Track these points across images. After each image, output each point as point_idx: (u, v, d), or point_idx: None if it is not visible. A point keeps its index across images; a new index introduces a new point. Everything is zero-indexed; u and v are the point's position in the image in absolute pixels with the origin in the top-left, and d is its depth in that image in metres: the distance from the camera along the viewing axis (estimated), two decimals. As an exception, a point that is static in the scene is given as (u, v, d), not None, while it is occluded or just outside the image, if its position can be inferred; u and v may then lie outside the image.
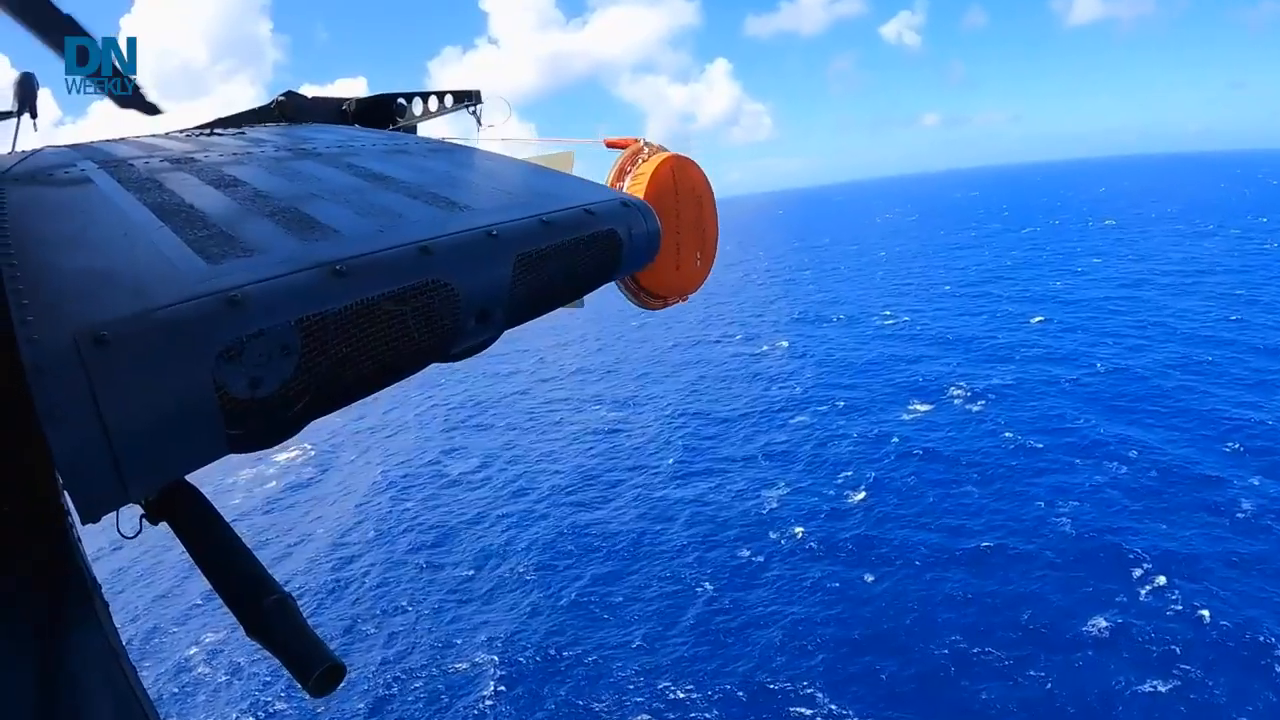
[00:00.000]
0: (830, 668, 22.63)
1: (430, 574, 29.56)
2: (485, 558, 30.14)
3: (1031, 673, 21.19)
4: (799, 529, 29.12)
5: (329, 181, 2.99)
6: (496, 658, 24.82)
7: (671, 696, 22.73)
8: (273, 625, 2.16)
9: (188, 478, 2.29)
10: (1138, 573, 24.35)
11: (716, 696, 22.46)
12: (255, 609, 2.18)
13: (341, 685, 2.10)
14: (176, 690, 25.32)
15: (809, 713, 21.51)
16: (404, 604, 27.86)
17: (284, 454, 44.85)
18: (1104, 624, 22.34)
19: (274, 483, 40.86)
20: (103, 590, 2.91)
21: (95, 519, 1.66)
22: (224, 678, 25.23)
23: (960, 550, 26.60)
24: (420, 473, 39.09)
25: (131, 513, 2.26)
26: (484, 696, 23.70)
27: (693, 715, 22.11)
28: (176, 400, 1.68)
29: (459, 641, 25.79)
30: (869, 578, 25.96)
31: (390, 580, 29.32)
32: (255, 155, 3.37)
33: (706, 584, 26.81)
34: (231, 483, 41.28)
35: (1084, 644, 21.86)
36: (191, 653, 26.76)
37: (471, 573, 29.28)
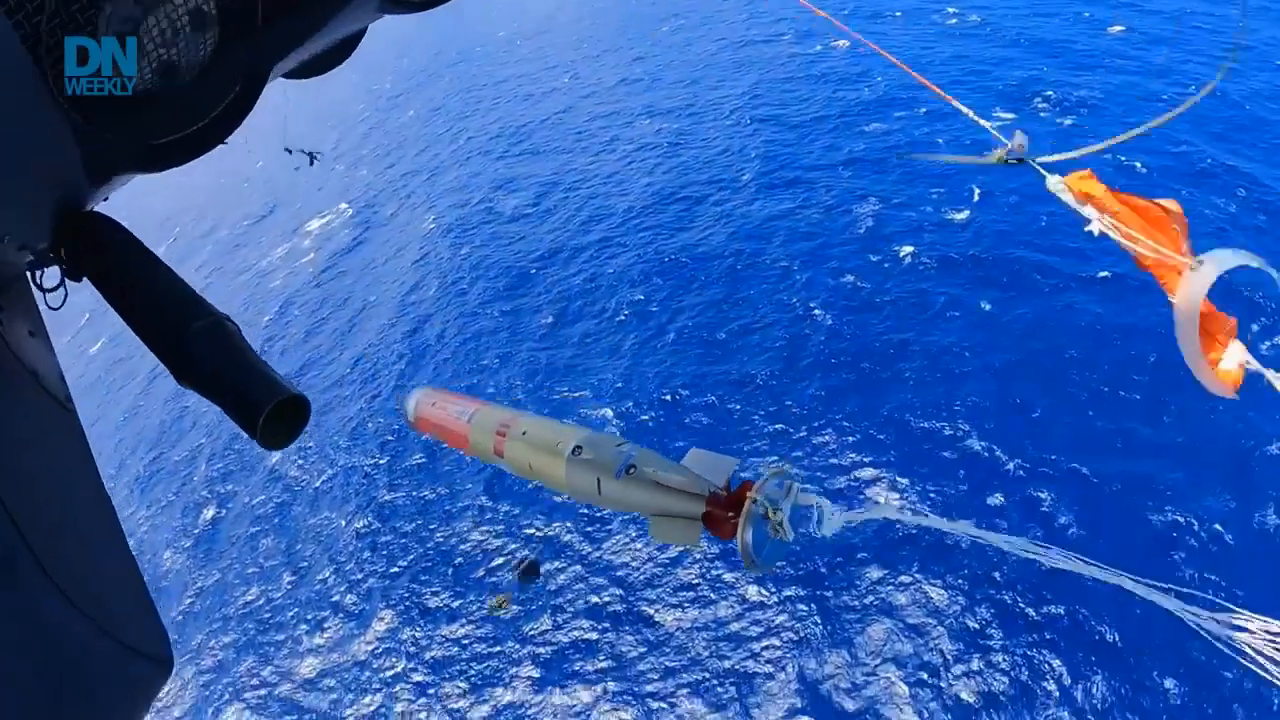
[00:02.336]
0: (973, 404, 19.42)
1: (511, 323, 26.52)
2: (568, 300, 26.81)
3: (1166, 419, 17.87)
4: (906, 248, 24.75)
5: None
6: (609, 411, 22.24)
7: (809, 440, 20.08)
8: (203, 356, 1.76)
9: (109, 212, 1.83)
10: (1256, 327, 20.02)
11: (854, 439, 19.74)
12: (180, 339, 1.76)
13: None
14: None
15: (965, 451, 18.62)
16: (491, 360, 25.17)
17: (316, 220, 41.06)
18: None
19: (312, 254, 37.41)
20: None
21: None
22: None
23: (1081, 277, 22.21)
24: (474, 214, 34.97)
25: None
26: None
27: (832, 460, 19.54)
28: None
29: (557, 396, 23.21)
30: (986, 305, 22.01)
31: (469, 336, 26.48)
32: None
33: (819, 310, 23.24)
34: (267, 264, 38.08)
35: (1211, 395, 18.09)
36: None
37: (553, 319, 26.13)
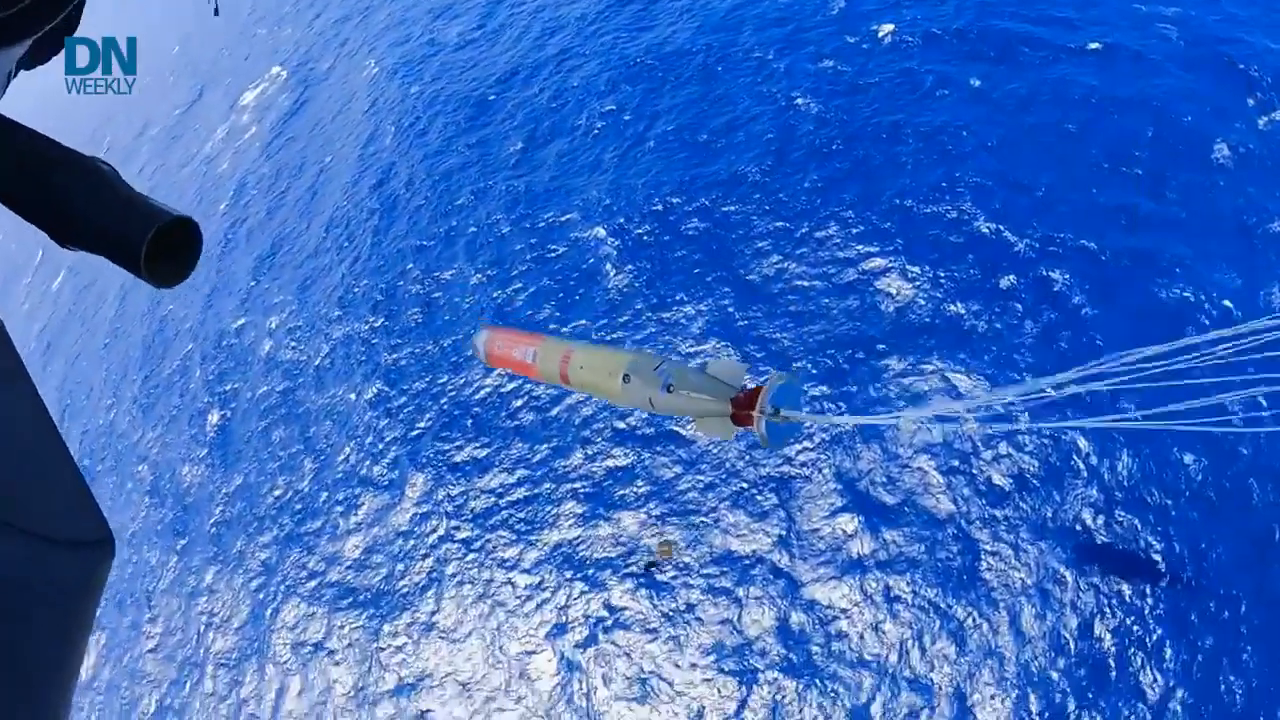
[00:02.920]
0: (975, 184, 17.87)
1: (480, 155, 24.32)
2: (536, 121, 24.44)
3: (1168, 194, 16.61)
4: (886, 26, 21.90)
5: None
6: (601, 230, 20.54)
7: (812, 236, 18.49)
8: (75, 206, 1.67)
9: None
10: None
11: (858, 230, 18.16)
12: (50, 194, 1.66)
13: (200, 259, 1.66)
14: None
15: (973, 234, 17.34)
16: (466, 198, 23.22)
17: (250, 92, 37.70)
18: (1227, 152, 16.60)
19: (254, 128, 34.47)
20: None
21: None
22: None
23: (1071, 49, 19.82)
24: (417, 50, 31.65)
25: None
26: (602, 266, 19.95)
27: (839, 254, 18.03)
28: None
29: (543, 224, 21.44)
30: (975, 82, 19.73)
31: (439, 177, 24.34)
32: None
33: (803, 99, 20.95)
34: (210, 150, 35.26)
35: (1214, 167, 16.63)
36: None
37: (523, 144, 23.89)
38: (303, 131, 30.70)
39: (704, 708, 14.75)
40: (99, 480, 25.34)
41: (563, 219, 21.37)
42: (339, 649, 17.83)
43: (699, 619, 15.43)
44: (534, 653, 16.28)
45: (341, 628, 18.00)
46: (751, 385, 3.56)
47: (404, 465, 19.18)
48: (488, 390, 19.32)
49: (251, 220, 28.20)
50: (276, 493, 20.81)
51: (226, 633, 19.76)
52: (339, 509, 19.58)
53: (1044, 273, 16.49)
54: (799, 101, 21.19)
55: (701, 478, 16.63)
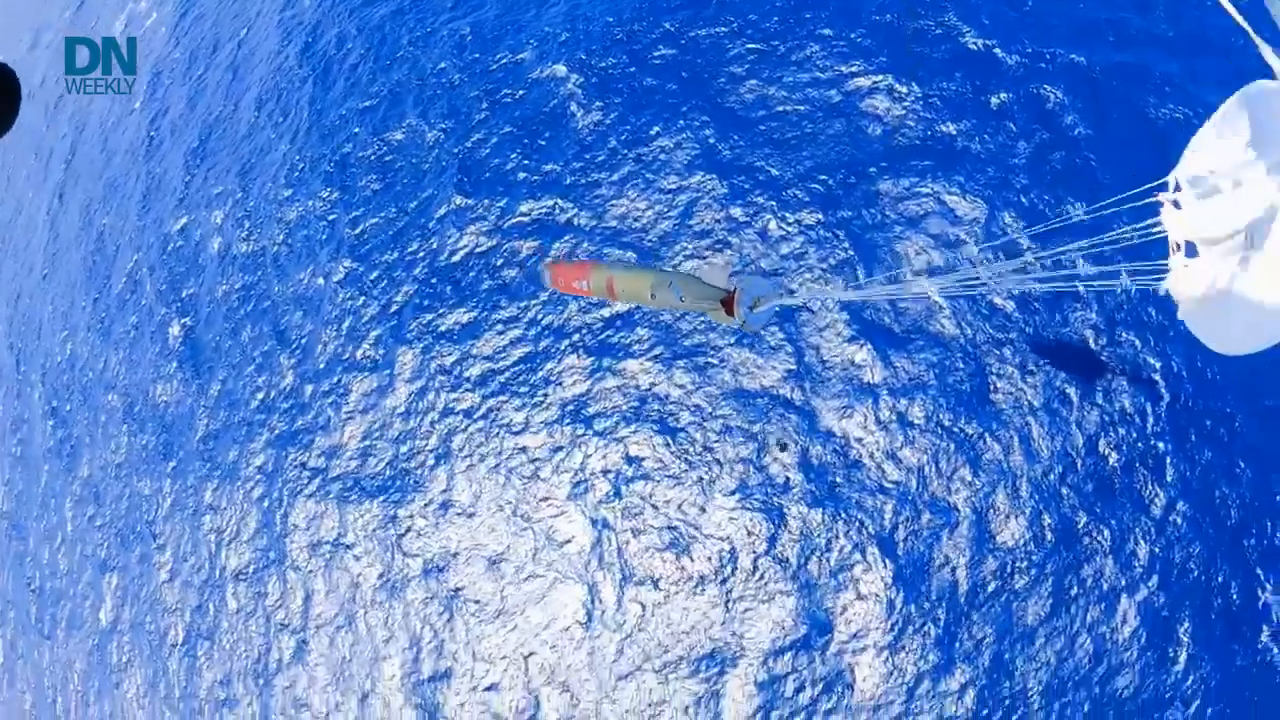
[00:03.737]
0: None
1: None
2: None
3: (1157, 10, 15.60)
4: None
5: None
6: (562, 68, 18.46)
7: (790, 58, 16.77)
8: None
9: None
10: None
11: (840, 48, 16.93)
12: None
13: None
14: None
15: (961, 50, 16.07)
16: (406, 48, 20.81)
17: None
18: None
19: (154, 14, 30.92)
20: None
21: None
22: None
23: None
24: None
25: None
26: (566, 106, 18.00)
27: (818, 74, 16.34)
28: None
29: (497, 67, 19.27)
30: None
31: (371, 28, 21.68)
32: None
33: None
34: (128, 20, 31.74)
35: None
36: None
37: None
38: (209, 6, 27.47)
39: (735, 548, 14.16)
40: (71, 418, 23.97)
41: (517, 58, 19.18)
42: (358, 542, 16.98)
43: (718, 461, 14.63)
44: (558, 516, 15.47)
45: (355, 521, 17.09)
46: (734, 285, 5.73)
47: (388, 343, 17.80)
48: (464, 252, 17.73)
49: (173, 112, 25.54)
50: (260, 395, 19.48)
51: (239, 547, 18.88)
52: (329, 400, 18.32)
53: (1035, 89, 15.44)
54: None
55: (703, 319, 15.45)
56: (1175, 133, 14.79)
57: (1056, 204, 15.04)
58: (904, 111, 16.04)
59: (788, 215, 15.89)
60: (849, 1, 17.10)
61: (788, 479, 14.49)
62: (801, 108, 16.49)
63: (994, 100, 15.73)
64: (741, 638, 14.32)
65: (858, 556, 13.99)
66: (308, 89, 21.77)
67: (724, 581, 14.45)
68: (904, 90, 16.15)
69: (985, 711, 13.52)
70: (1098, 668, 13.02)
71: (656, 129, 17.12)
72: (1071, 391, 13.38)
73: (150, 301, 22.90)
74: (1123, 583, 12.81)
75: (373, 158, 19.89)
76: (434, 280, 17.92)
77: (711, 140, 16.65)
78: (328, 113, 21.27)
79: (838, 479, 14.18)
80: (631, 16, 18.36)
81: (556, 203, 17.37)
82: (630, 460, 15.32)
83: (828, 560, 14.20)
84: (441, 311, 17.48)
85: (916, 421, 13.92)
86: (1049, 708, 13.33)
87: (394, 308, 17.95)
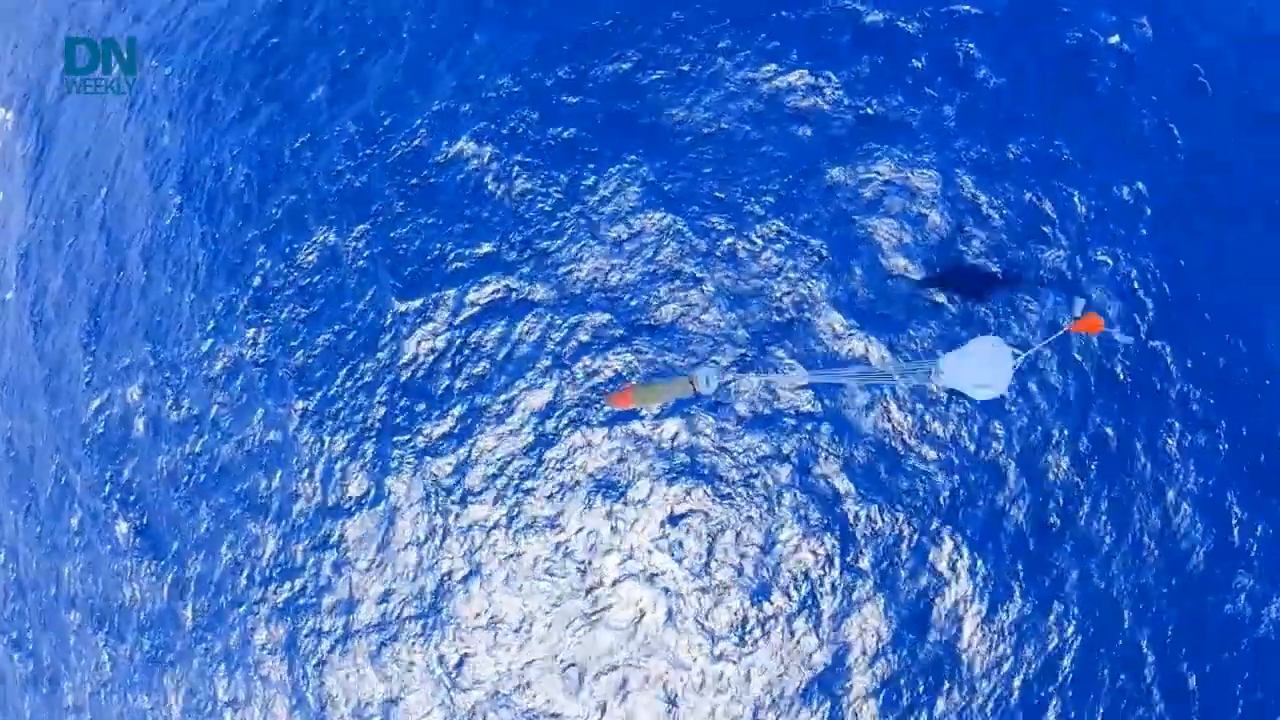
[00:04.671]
0: None
1: (285, 106, 20.14)
2: (329, 46, 20.32)
3: None
4: None
5: None
6: (470, 145, 17.65)
7: (706, 73, 17.00)
8: None
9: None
10: None
11: (748, 54, 17.09)
12: None
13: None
14: None
15: (863, 29, 16.44)
16: (291, 159, 19.46)
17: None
18: None
19: (2, 192, 28.37)
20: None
21: None
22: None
23: None
24: (159, 21, 25.92)
25: None
26: (484, 180, 17.20)
27: (734, 83, 16.49)
28: None
29: (396, 158, 18.29)
30: None
31: (251, 148, 20.11)
32: None
33: None
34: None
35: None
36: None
37: (331, 78, 19.99)
38: (61, 169, 25.21)
39: (807, 571, 14.18)
40: (36, 648, 21.66)
41: (416, 144, 18.20)
42: (407, 692, 15.78)
43: (763, 494, 14.33)
44: (615, 600, 14.79)
45: (397, 672, 15.86)
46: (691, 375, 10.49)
47: (374, 474, 16.58)
48: (424, 358, 16.72)
49: (53, 291, 23.33)
50: (244, 571, 17.90)
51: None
52: (326, 556, 16.97)
53: (946, 50, 16.01)
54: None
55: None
56: (1081, 53, 15.84)
57: (998, 154, 15.30)
58: (829, 103, 16.07)
59: (751, 234, 15.55)
60: (739, 8, 16.94)
61: (835, 489, 14.28)
62: (729, 124, 16.23)
63: (910, 70, 15.95)
64: (842, 655, 14.03)
65: (924, 540, 13.92)
66: (196, 228, 20.15)
67: (806, 606, 14.10)
68: (822, 82, 16.15)
69: (1083, 638, 13.68)
70: (1169, 561, 13.93)
71: (590, 180, 16.52)
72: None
73: (88, 500, 20.83)
74: (1165, 478, 13.92)
75: (291, 285, 18.53)
76: (401, 396, 16.81)
77: (651, 178, 16.17)
78: (224, 249, 19.74)
79: (881, 471, 14.52)
80: (526, 70, 17.68)
81: (506, 283, 16.55)
82: (673, 520, 14.71)
83: (899, 553, 14.05)
84: (420, 427, 16.42)
85: (939, 397, 14.41)
86: (1138, 610, 13.56)
87: (368, 438, 16.74)
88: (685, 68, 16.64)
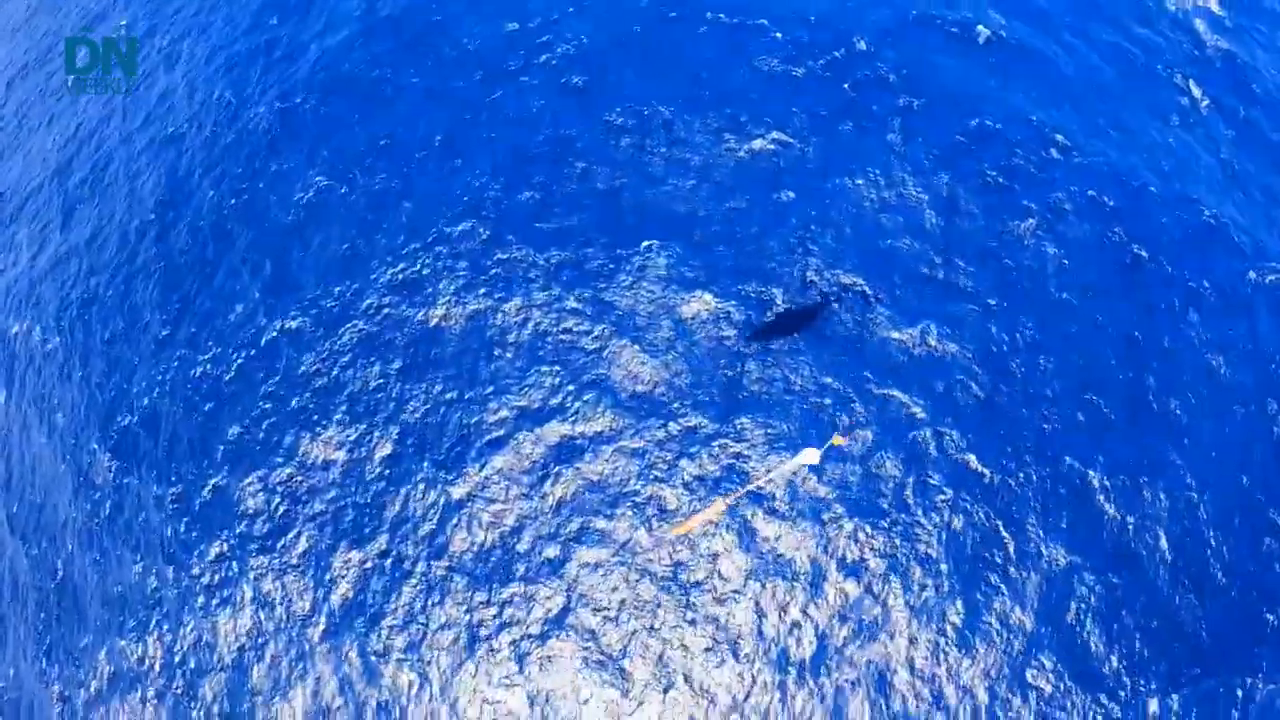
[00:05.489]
0: (757, 29, 21.00)
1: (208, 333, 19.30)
2: (258, 256, 20.12)
3: None
4: None
5: None
6: (452, 287, 17.98)
7: (669, 157, 19.29)
8: None
9: None
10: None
11: (705, 122, 19.83)
12: None
13: None
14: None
15: (781, 77, 19.86)
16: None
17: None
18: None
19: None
20: None
21: None
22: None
23: None
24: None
25: None
26: (488, 327, 17.31)
27: (705, 161, 19.42)
28: None
29: (379, 320, 18.17)
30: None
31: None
32: None
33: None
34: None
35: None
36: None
37: (270, 271, 19.62)
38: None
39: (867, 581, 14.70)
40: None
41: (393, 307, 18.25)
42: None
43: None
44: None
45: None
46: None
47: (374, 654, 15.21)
48: (367, 492, 16.19)
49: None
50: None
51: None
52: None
53: (869, 76, 19.72)
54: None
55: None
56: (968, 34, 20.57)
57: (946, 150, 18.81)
58: (796, 145, 18.99)
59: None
60: (675, 82, 20.02)
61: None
62: (717, 191, 18.46)
63: (847, 101, 19.51)
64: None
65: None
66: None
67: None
68: (778, 131, 19.21)
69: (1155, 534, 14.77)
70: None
71: (600, 285, 17.75)
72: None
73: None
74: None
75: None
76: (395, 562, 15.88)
77: (666, 263, 17.76)
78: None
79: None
80: (483, 209, 19.08)
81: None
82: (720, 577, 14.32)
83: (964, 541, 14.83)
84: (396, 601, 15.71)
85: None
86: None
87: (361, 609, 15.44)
88: (655, 147, 19.50)
